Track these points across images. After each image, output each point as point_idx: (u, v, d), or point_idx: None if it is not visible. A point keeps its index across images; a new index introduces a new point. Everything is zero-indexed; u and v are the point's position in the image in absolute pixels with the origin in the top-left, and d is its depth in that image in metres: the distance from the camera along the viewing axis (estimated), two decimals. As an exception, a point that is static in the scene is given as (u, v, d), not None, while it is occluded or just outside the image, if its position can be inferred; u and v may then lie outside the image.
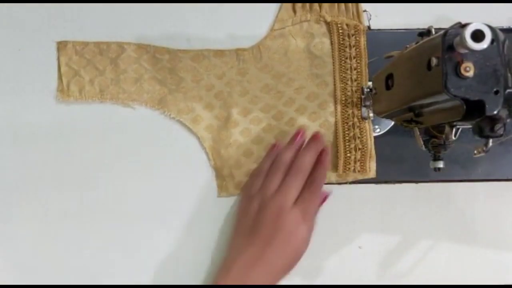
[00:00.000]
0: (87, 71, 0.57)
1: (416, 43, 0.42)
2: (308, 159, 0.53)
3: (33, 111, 0.57)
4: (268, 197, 0.51)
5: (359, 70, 0.56)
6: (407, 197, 0.57)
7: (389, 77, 0.45)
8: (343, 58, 0.57)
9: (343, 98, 0.56)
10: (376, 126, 0.56)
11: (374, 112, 0.52)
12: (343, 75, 0.57)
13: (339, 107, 0.57)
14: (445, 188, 0.57)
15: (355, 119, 0.56)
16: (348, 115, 0.56)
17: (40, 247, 0.55)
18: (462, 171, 0.56)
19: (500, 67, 0.35)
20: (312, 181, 0.52)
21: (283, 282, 0.55)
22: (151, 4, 0.58)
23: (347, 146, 0.56)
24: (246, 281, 0.49)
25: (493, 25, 0.34)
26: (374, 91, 0.50)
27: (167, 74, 0.57)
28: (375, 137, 0.56)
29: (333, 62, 0.57)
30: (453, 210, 0.57)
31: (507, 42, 0.36)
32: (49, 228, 0.56)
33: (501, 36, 0.36)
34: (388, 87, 0.46)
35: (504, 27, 0.57)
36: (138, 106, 0.57)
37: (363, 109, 0.53)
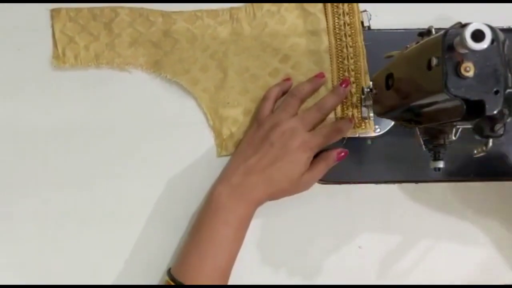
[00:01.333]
0: (81, 37, 0.57)
1: (416, 43, 0.42)
2: (331, 102, 0.54)
3: (32, 111, 0.57)
4: (284, 119, 0.52)
5: (354, 46, 0.57)
6: (407, 197, 0.57)
7: (389, 77, 0.45)
8: (337, 26, 0.57)
9: (340, 60, 0.57)
10: (376, 126, 0.56)
11: (374, 112, 0.52)
12: (338, 42, 0.57)
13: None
14: (445, 188, 0.57)
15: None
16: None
17: (40, 247, 0.55)
18: (462, 171, 0.56)
19: (500, 67, 0.35)
20: (331, 126, 0.54)
21: (282, 281, 0.55)
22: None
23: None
24: (244, 186, 0.50)
25: (493, 25, 0.34)
26: (374, 91, 0.50)
27: (162, 36, 0.58)
28: (375, 137, 0.56)
29: (326, 20, 0.57)
30: (453, 210, 0.57)
31: (507, 42, 0.36)
32: (49, 228, 0.56)
33: (501, 36, 0.36)
34: (388, 87, 0.46)
35: (504, 27, 0.57)
36: (134, 70, 0.57)
37: (363, 109, 0.53)
